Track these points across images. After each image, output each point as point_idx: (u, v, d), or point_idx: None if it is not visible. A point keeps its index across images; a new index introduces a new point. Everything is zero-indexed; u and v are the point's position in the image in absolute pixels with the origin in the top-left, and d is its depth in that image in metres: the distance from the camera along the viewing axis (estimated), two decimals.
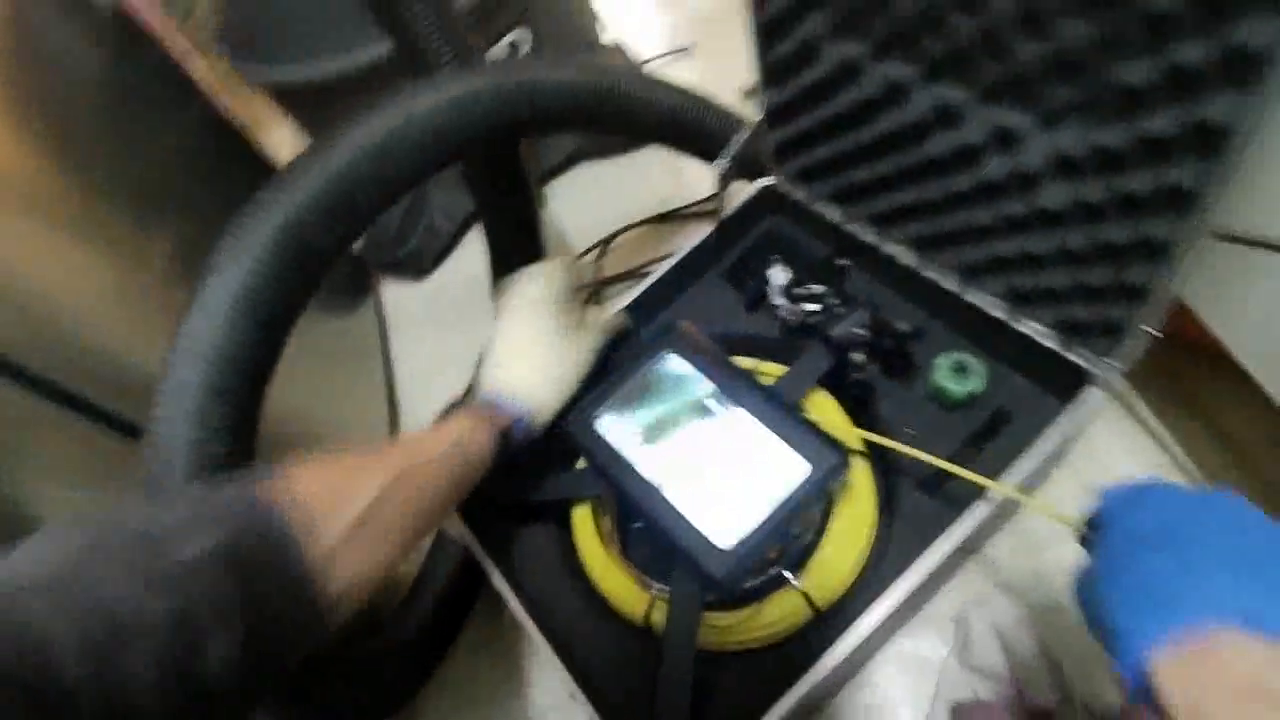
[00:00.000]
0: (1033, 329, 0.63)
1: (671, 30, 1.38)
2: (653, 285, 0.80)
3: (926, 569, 0.57)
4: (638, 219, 1.15)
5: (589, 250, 1.15)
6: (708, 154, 0.77)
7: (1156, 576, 0.34)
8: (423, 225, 1.19)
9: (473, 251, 1.25)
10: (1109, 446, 0.76)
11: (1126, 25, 0.40)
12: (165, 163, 0.83)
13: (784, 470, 0.60)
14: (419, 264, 1.23)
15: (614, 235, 1.14)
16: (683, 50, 1.31)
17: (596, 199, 1.21)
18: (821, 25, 0.60)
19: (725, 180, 0.74)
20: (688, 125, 0.79)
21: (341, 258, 0.59)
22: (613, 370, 0.70)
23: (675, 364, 0.69)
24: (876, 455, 0.66)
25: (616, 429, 0.67)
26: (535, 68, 0.72)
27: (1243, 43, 0.36)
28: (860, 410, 0.69)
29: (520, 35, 1.03)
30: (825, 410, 0.69)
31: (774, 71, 0.67)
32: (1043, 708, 0.64)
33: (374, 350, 1.16)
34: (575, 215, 1.20)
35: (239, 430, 0.49)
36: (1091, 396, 0.59)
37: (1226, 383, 0.66)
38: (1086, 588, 0.39)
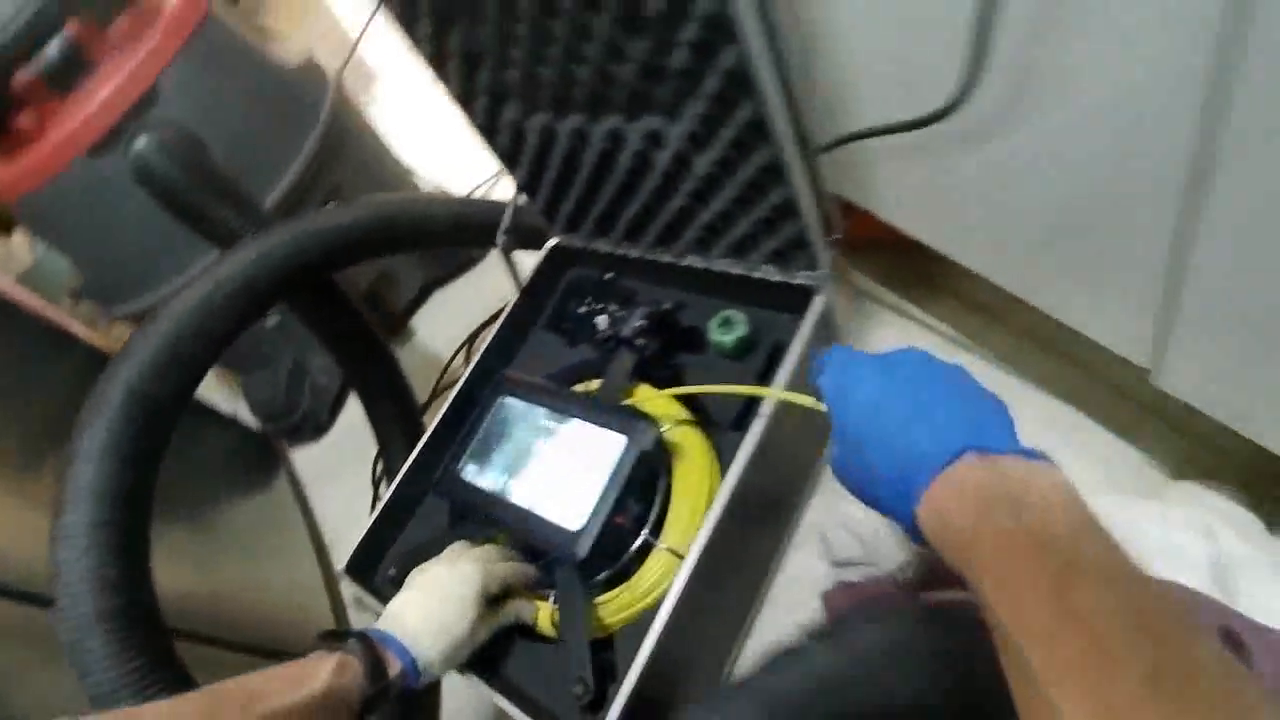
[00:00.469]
0: (764, 271, 0.77)
1: (483, 163, 1.58)
2: (487, 350, 0.92)
3: (735, 478, 0.67)
4: (489, 315, 1.29)
5: (457, 352, 1.28)
6: (492, 240, 0.93)
7: (893, 443, 0.38)
8: (307, 389, 1.31)
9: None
10: (883, 342, 0.90)
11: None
12: (55, 398, 0.94)
13: (609, 451, 0.72)
14: (316, 423, 1.34)
15: (474, 335, 1.28)
16: (494, 178, 1.50)
17: (455, 314, 1.36)
18: (517, 112, 0.77)
19: (508, 252, 0.89)
20: (473, 224, 0.95)
21: (187, 404, 0.70)
22: (465, 428, 0.82)
23: (513, 404, 0.82)
24: (703, 420, 0.78)
25: (481, 473, 0.78)
26: (327, 215, 0.88)
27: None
28: (671, 381, 0.82)
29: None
30: (648, 397, 0.81)
31: (507, 157, 0.84)
32: (898, 577, 0.74)
33: (294, 517, 1.24)
34: (441, 334, 1.35)
35: (129, 552, 0.59)
36: (816, 304, 0.73)
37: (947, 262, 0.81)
38: (842, 469, 0.43)
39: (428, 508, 0.89)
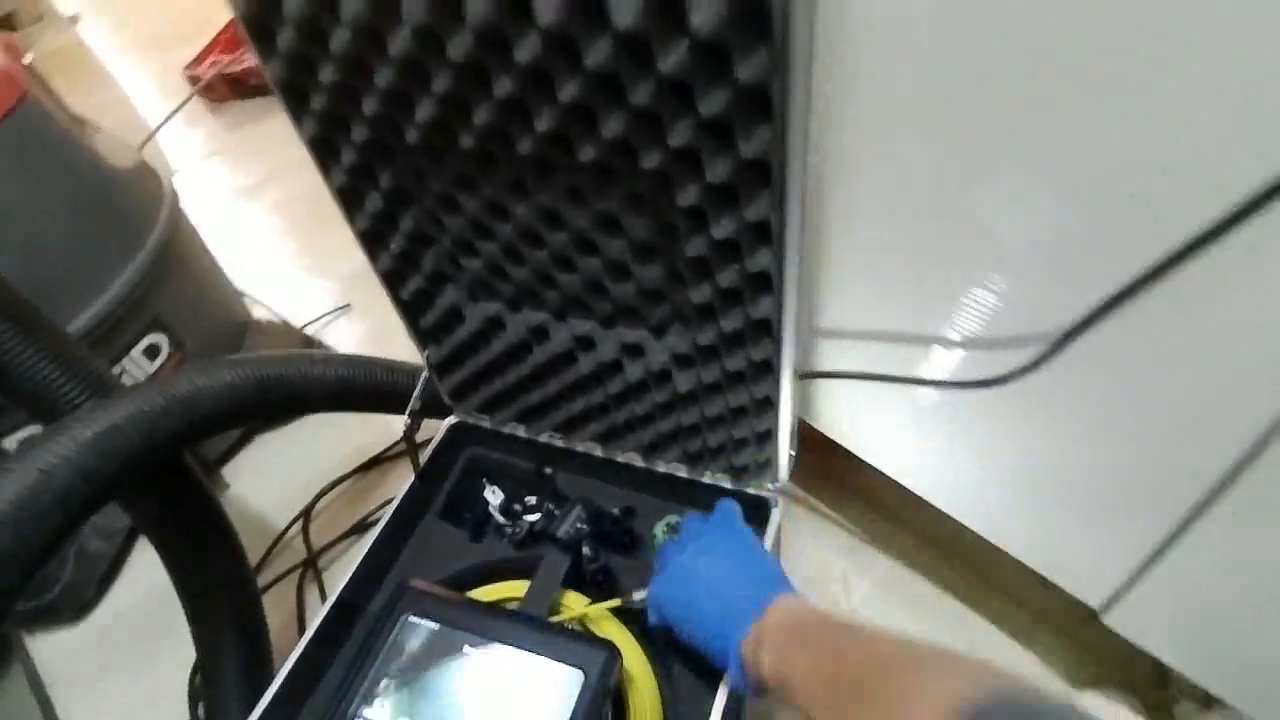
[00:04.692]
0: (715, 479, 0.74)
1: (326, 292, 1.41)
2: (372, 550, 0.78)
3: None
4: (336, 476, 1.11)
5: (292, 523, 1.08)
6: (391, 408, 0.81)
7: (716, 600, 0.55)
8: (73, 555, 1.01)
9: (143, 568, 1.09)
10: (793, 536, 0.92)
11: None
12: None
13: (559, 687, 0.62)
14: (76, 601, 1.03)
15: (315, 500, 1.09)
16: (343, 309, 1.34)
17: (286, 468, 1.15)
18: (458, 295, 0.69)
19: (412, 430, 0.78)
20: (359, 390, 0.82)
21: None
22: (357, 656, 0.67)
23: (417, 625, 0.68)
24: (640, 630, 0.71)
25: (379, 716, 0.63)
26: (186, 378, 0.70)
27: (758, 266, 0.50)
28: (606, 594, 0.75)
29: (156, 339, 0.98)
30: (578, 606, 0.73)
31: (429, 334, 0.74)
32: None
33: None
34: (265, 492, 1.13)
35: None
36: (775, 516, 0.72)
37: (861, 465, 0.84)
38: (667, 613, 0.60)
39: None
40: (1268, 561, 0.48)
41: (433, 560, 0.80)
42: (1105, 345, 0.43)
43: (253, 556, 0.98)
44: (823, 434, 0.78)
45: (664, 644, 0.69)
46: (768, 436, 0.66)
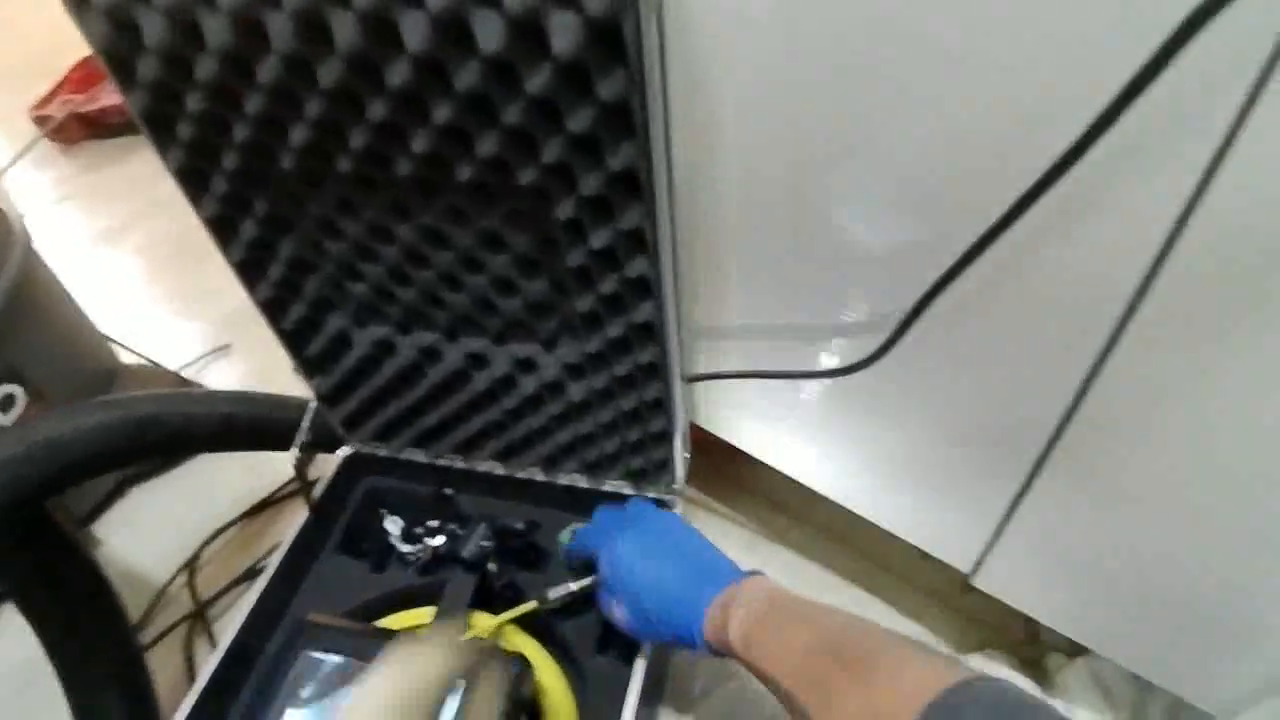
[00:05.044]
0: (615, 485, 0.77)
1: (203, 334, 1.35)
2: (266, 590, 0.75)
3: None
4: (222, 523, 1.06)
5: (176, 576, 1.01)
6: (280, 444, 0.78)
7: (669, 588, 0.56)
8: None
9: (8, 638, 0.99)
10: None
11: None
12: None
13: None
14: None
15: (200, 550, 1.03)
16: (222, 349, 1.29)
17: (164, 519, 1.09)
18: (344, 321, 0.68)
19: (303, 464, 0.76)
20: (245, 427, 0.79)
21: None
22: (254, 702, 0.65)
23: (318, 660, 0.67)
24: (557, 645, 0.72)
25: None
26: (50, 421, 0.66)
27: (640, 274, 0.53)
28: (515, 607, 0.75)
29: (10, 389, 0.91)
30: (486, 624, 0.73)
31: (314, 364, 0.73)
32: None
33: None
34: (144, 546, 1.06)
35: None
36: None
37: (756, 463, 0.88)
38: (629, 614, 0.59)
39: None
40: (1100, 511, 0.54)
41: (333, 595, 0.78)
42: (942, 323, 0.49)
43: (134, 614, 0.92)
44: (716, 436, 0.82)
45: (579, 647, 0.71)
46: (662, 439, 0.69)
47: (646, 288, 0.53)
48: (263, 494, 1.08)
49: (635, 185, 0.47)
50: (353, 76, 0.46)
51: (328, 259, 0.62)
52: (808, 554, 0.93)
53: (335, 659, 0.67)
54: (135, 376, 1.16)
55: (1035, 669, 0.81)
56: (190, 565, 1.03)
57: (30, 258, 0.95)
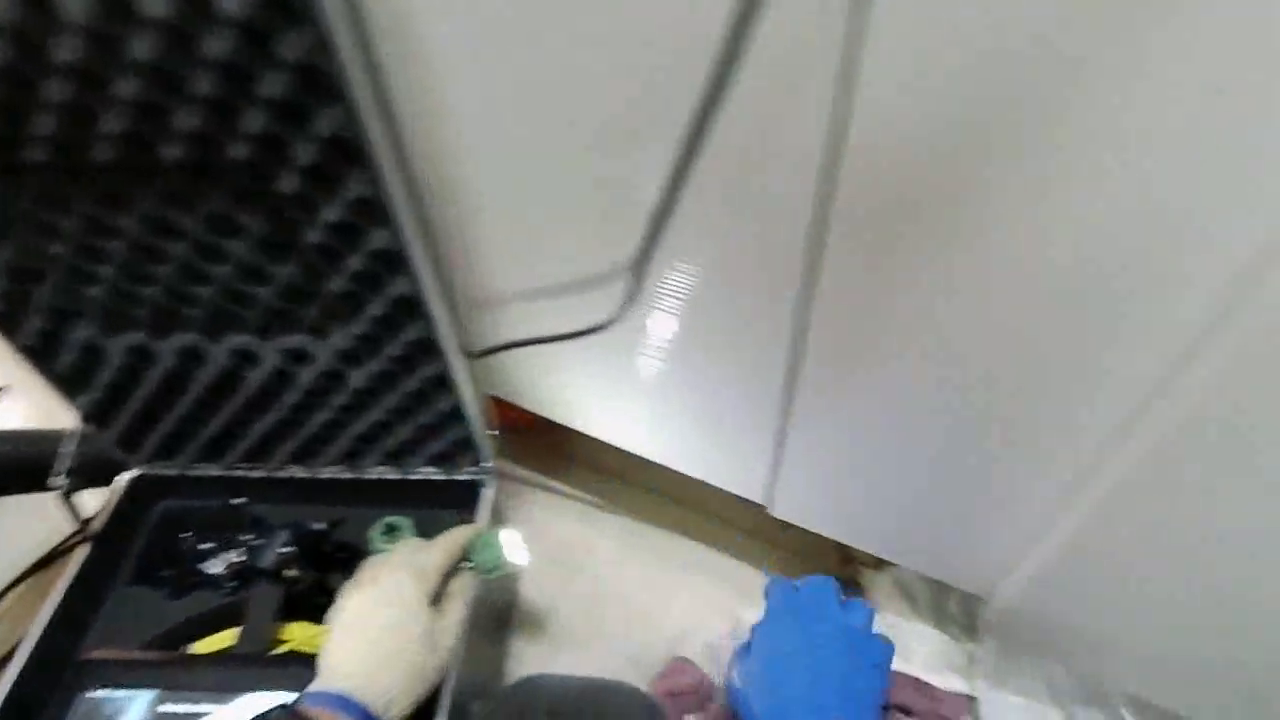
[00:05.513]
0: (424, 473, 0.75)
1: None
2: (45, 633, 0.68)
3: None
4: (6, 582, 0.95)
5: None
6: (44, 484, 0.71)
7: (785, 706, 0.45)
8: None
9: None
10: (532, 516, 0.95)
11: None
12: None
13: None
14: None
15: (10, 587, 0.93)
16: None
17: None
18: (91, 330, 0.63)
19: (69, 495, 0.70)
20: (11, 463, 0.72)
21: None
22: None
23: (101, 699, 0.62)
24: None
25: None
26: None
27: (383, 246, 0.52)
28: None
29: None
30: (304, 634, 0.70)
31: (70, 382, 0.67)
32: None
33: None
34: None
35: None
36: (486, 498, 0.74)
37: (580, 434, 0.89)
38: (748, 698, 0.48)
39: None
40: (850, 428, 0.58)
41: (130, 630, 0.72)
42: (670, 269, 0.51)
43: None
44: (537, 411, 0.82)
45: None
46: (456, 418, 0.68)
47: (395, 260, 0.52)
48: (53, 543, 0.98)
49: (352, 151, 0.46)
50: (14, 54, 0.42)
51: (52, 263, 0.57)
52: (640, 515, 0.95)
53: (121, 694, 0.62)
54: None
55: (852, 587, 0.87)
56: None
57: None
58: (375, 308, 0.57)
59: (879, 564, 0.85)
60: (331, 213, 0.50)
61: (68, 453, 0.70)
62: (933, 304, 0.45)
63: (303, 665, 0.61)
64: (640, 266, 0.50)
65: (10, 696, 0.64)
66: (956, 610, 0.80)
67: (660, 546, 0.93)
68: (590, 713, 0.45)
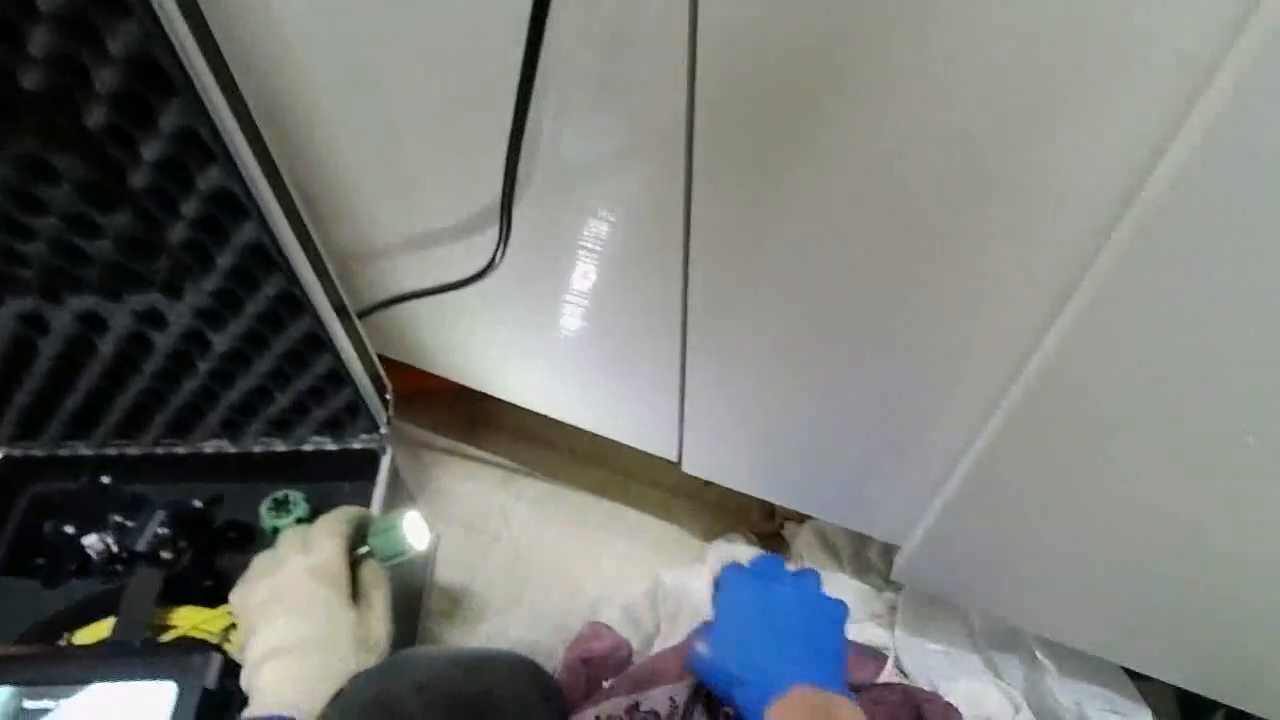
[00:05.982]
0: (316, 443, 0.70)
1: None
2: None
3: None
4: None
5: None
6: None
7: (755, 665, 0.44)
8: None
9: None
10: (460, 487, 0.91)
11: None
12: None
13: (155, 707, 0.56)
14: None
15: None
16: None
17: None
18: None
19: None
20: None
21: None
22: None
23: None
24: None
25: None
26: None
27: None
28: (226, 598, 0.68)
29: None
30: (193, 619, 0.65)
31: None
32: None
33: None
34: None
35: None
36: (384, 465, 0.69)
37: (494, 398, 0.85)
38: (709, 664, 0.47)
39: None
40: (742, 375, 0.55)
41: (3, 623, 0.67)
42: (541, 215, 0.47)
43: None
44: (436, 373, 0.78)
45: None
46: (339, 381, 0.63)
47: (235, 202, 0.47)
48: None
49: (160, 75, 0.40)
50: None
51: None
52: (559, 478, 0.92)
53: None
54: None
55: (776, 541, 0.86)
56: None
57: None
58: (225, 259, 0.52)
59: (801, 518, 0.83)
60: (150, 149, 0.44)
61: None
62: (810, 220, 0.42)
63: (185, 651, 0.58)
64: (508, 203, 0.46)
65: None
66: (877, 560, 0.78)
67: (579, 509, 0.90)
68: (464, 685, 0.42)
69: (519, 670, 0.45)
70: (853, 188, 0.38)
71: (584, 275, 0.53)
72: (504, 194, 0.44)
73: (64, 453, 0.71)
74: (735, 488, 0.69)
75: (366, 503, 0.68)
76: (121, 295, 0.56)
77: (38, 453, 0.71)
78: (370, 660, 0.48)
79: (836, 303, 0.45)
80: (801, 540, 0.81)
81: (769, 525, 0.87)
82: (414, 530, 0.55)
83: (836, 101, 0.35)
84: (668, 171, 0.43)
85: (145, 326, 0.58)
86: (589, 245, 0.50)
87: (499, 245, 0.49)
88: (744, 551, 0.82)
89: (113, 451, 0.71)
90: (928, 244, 0.39)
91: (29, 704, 0.57)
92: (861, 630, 0.72)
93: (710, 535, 0.87)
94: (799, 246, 0.43)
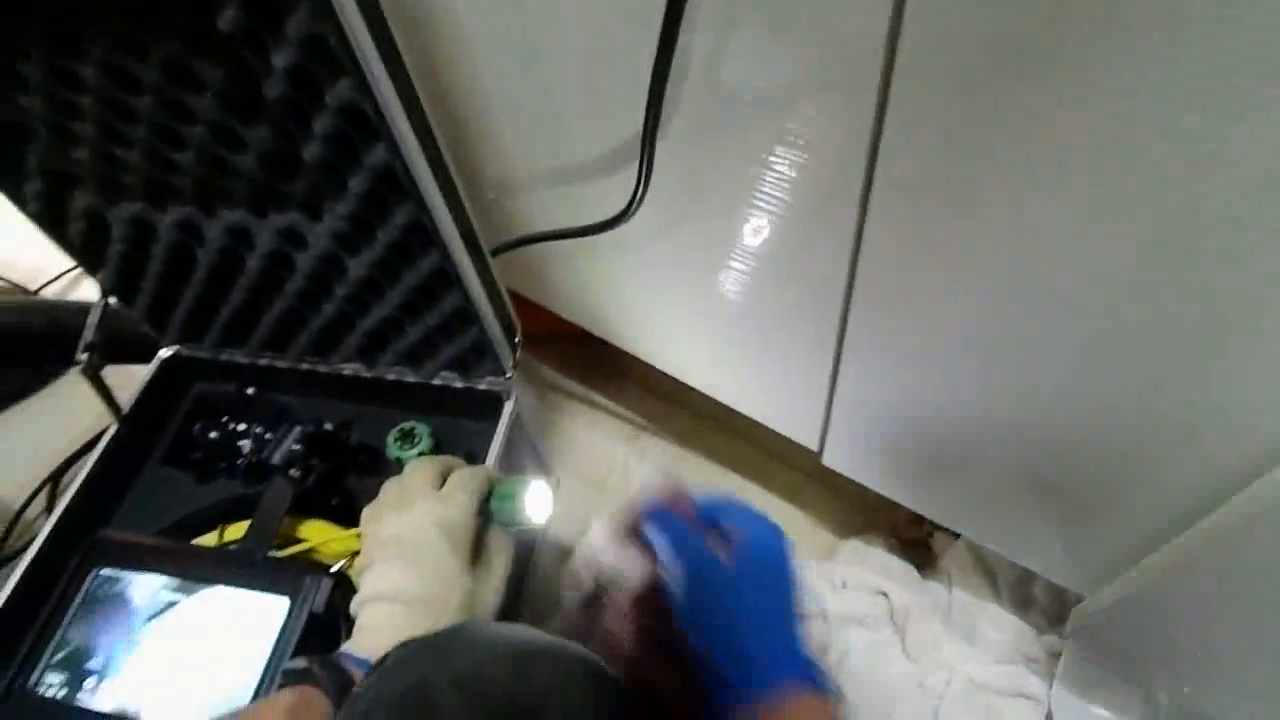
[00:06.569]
0: (444, 378, 0.69)
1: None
2: (70, 505, 0.68)
3: None
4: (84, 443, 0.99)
5: (33, 496, 0.96)
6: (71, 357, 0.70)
7: (732, 657, 0.36)
8: None
9: None
10: (572, 432, 0.88)
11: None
12: None
13: (267, 618, 0.57)
14: None
15: (58, 473, 0.97)
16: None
17: (30, 444, 1.02)
18: (92, 198, 0.59)
19: (95, 372, 0.68)
20: (34, 336, 0.71)
21: None
22: (41, 619, 0.60)
23: (111, 577, 0.62)
24: None
25: (71, 685, 0.57)
26: None
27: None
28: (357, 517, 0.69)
29: None
30: (319, 534, 0.67)
31: (81, 252, 0.64)
32: None
33: None
34: (11, 471, 1.00)
35: None
36: (507, 410, 0.67)
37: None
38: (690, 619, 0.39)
39: None
40: (913, 369, 0.46)
41: (155, 510, 0.72)
42: (685, 166, 0.39)
43: None
44: (574, 321, 0.74)
45: None
46: (468, 319, 0.60)
47: (368, 123, 0.44)
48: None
49: None
50: None
51: (33, 115, 0.52)
52: (688, 441, 0.86)
53: (129, 575, 0.62)
54: None
55: (920, 550, 0.76)
56: (54, 481, 0.97)
57: None
58: (357, 182, 0.49)
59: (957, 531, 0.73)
60: (281, 56, 0.41)
61: (92, 325, 0.68)
62: (1035, 186, 0.32)
63: (300, 571, 0.59)
64: (651, 138, 0.39)
65: (36, 560, 0.65)
66: (1043, 596, 0.67)
67: (703, 477, 0.84)
68: (511, 688, 0.36)
69: (576, 676, 0.38)
70: (1106, 146, 0.28)
71: (734, 231, 0.46)
72: (646, 126, 0.38)
73: (223, 358, 0.74)
74: (880, 491, 0.60)
75: (487, 442, 0.66)
76: (266, 212, 0.56)
77: (201, 354, 0.75)
78: None
79: (1055, 302, 0.35)
80: (953, 557, 0.71)
81: (915, 531, 0.77)
82: (535, 502, 0.51)
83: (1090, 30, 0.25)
84: (854, 112, 0.34)
85: (287, 245, 0.58)
86: (743, 196, 0.43)
87: (638, 188, 0.42)
88: (882, 558, 0.73)
89: (263, 362, 0.73)
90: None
91: (166, 594, 0.61)
92: (1011, 676, 0.62)
93: (845, 529, 0.78)
94: (1013, 220, 0.33)
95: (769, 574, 0.39)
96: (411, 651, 0.36)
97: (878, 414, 0.52)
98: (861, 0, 0.30)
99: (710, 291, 0.53)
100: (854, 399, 0.52)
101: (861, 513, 0.79)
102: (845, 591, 0.70)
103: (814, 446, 0.61)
